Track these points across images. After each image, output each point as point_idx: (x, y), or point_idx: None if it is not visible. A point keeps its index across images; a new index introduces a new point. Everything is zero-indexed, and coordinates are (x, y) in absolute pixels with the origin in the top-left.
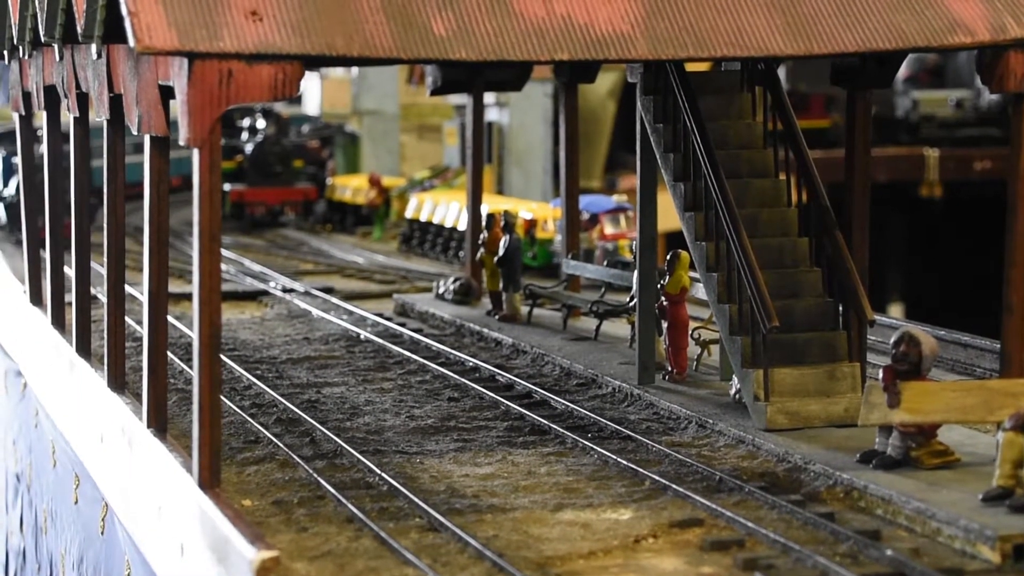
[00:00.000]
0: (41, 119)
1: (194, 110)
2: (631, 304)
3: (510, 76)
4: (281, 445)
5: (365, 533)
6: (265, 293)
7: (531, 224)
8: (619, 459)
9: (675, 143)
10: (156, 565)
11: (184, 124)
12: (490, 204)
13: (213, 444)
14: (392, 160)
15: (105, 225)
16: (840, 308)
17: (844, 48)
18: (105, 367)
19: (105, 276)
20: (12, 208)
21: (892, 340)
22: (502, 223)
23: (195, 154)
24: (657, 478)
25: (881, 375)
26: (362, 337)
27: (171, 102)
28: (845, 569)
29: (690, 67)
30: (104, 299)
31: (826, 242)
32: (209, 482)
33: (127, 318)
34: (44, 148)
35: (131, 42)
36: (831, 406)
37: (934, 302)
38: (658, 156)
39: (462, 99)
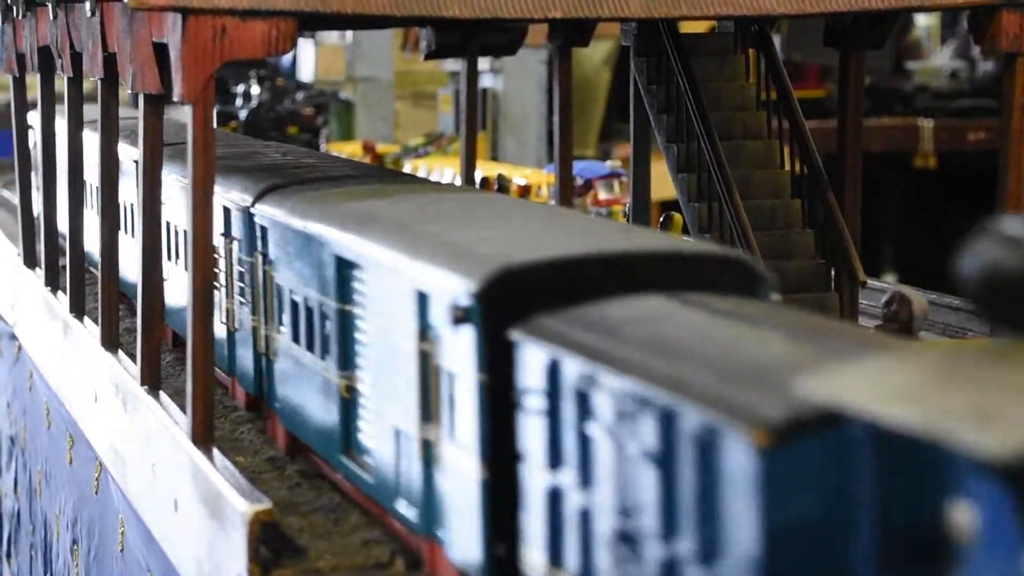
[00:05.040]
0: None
1: (188, 66)
2: None
3: (504, 40)
4: None
5: None
6: None
7: (525, 190)
8: None
9: (668, 104)
10: (150, 522)
11: (178, 80)
12: (484, 170)
13: (207, 398)
14: (387, 127)
15: (99, 184)
16: (832, 270)
17: (836, 7)
18: (100, 326)
19: (99, 235)
20: None
21: (883, 300)
22: (495, 187)
23: (188, 110)
24: None
25: None
26: None
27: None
28: None
29: (684, 29)
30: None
31: (818, 204)
32: (203, 437)
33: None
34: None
35: None
36: None
37: (928, 272)
38: (651, 117)
39: (457, 65)
